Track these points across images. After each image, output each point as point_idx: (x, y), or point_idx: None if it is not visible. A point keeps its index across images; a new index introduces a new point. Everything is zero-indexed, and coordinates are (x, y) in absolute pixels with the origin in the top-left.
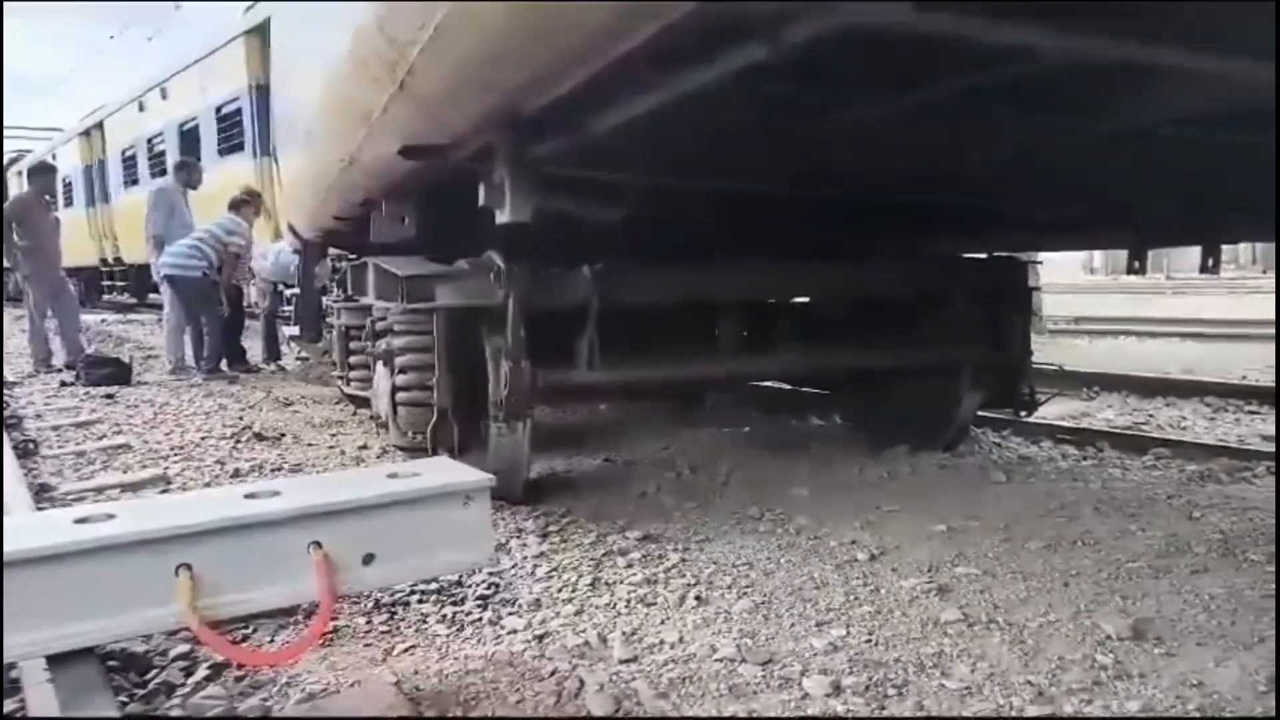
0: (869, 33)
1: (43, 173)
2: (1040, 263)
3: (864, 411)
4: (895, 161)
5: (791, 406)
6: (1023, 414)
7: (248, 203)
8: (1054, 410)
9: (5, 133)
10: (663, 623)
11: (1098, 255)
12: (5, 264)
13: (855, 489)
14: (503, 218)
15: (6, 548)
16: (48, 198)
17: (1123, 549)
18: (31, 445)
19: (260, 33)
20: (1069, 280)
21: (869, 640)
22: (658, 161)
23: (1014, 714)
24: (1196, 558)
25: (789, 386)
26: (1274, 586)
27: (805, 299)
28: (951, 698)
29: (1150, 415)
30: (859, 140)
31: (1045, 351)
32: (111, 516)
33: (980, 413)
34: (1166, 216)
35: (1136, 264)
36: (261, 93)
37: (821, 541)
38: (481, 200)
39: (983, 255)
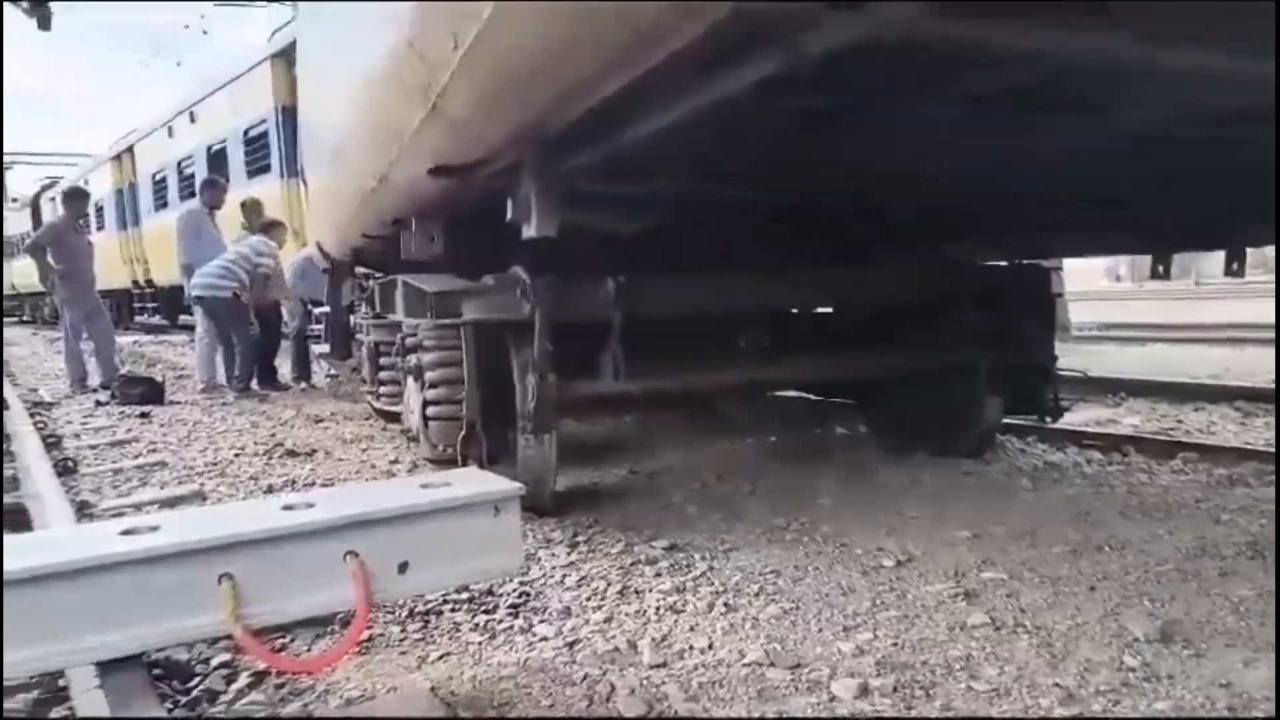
0: (888, 41)
1: (76, 198)
2: (1061, 269)
3: (888, 420)
4: (914, 167)
5: (815, 416)
6: (1048, 420)
7: (279, 225)
8: (1080, 417)
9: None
10: (692, 629)
11: (1123, 262)
12: (41, 287)
13: (880, 497)
14: (529, 232)
15: (55, 558)
16: (81, 222)
17: (1150, 553)
18: (70, 463)
19: (285, 56)
20: (1094, 287)
21: (896, 644)
22: (680, 173)
23: (1042, 714)
24: (1225, 561)
25: (813, 396)
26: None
27: (828, 308)
28: (979, 699)
29: (1179, 420)
30: (878, 147)
31: (1071, 359)
32: (156, 528)
33: (1005, 420)
34: (1188, 220)
35: (1160, 269)
36: (288, 115)
37: (847, 549)
38: (509, 215)
39: (1005, 262)
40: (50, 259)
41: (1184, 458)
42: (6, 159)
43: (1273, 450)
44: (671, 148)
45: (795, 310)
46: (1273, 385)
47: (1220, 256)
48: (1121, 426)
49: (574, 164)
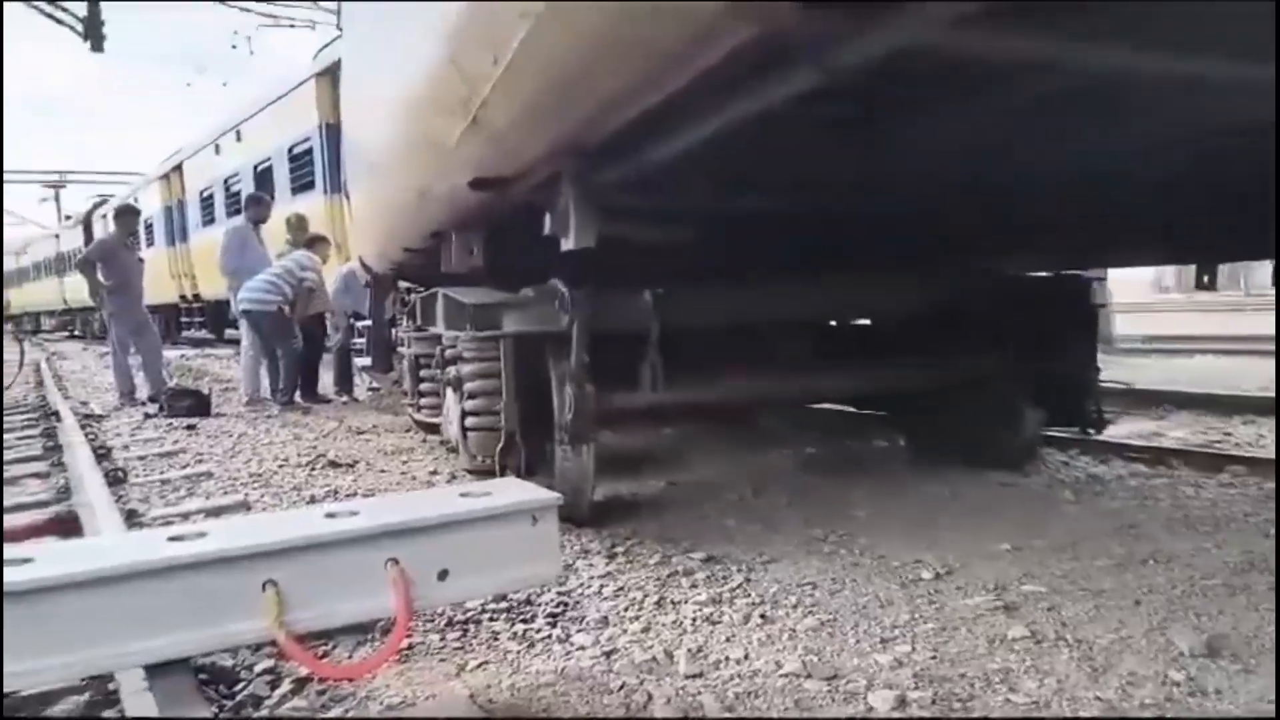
0: (913, 54)
1: (126, 215)
2: (1104, 279)
3: (926, 432)
4: (953, 177)
5: (852, 428)
6: (1090, 432)
7: (322, 240)
8: (1125, 429)
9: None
10: (728, 640)
11: (1170, 273)
12: (91, 302)
13: (919, 509)
14: (568, 245)
15: (105, 563)
16: (131, 239)
17: (1197, 566)
18: (120, 473)
19: (330, 75)
20: (1140, 298)
21: (934, 656)
22: (716, 185)
23: None
24: (1274, 574)
25: (850, 409)
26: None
27: (865, 320)
28: (1018, 712)
29: (1226, 433)
30: (916, 157)
31: (1117, 371)
32: (203, 535)
33: (1047, 432)
34: (1234, 228)
35: (1205, 278)
36: (332, 132)
37: (885, 561)
38: (547, 229)
39: (1046, 273)
40: (100, 275)
41: (1232, 471)
42: (60, 178)
43: None
44: (706, 160)
45: (834, 322)
46: None
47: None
48: (1167, 439)
49: (610, 177)
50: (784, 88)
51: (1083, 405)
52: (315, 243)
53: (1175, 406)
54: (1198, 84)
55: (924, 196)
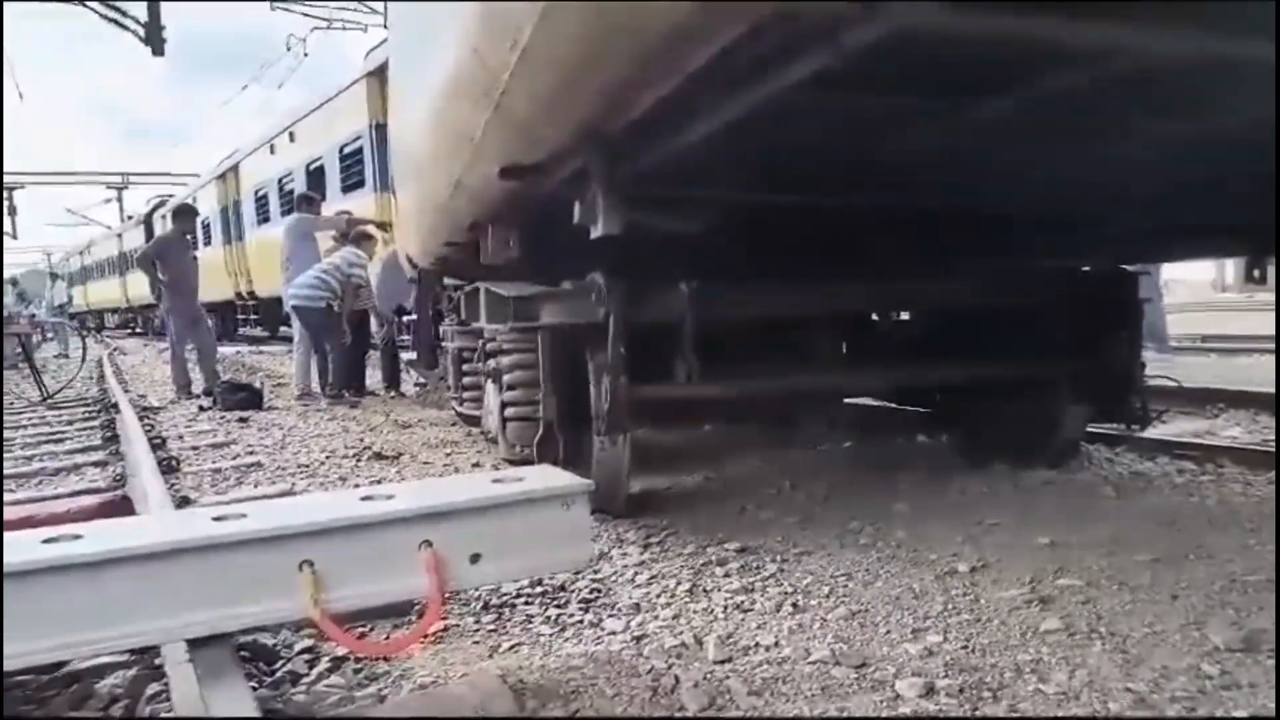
0: (925, 35)
1: (185, 214)
2: (1151, 273)
3: (966, 427)
4: (989, 169)
5: (891, 423)
6: (1134, 429)
7: (369, 237)
8: (1175, 428)
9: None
10: (758, 628)
11: (1229, 272)
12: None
13: (957, 504)
14: (597, 232)
15: (152, 539)
16: (188, 237)
17: (1238, 563)
18: (174, 462)
19: (380, 75)
20: (1199, 298)
21: (965, 647)
22: (747, 176)
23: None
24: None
25: (889, 403)
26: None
27: (904, 314)
28: (1048, 702)
29: None
30: (951, 149)
31: (1169, 370)
32: (244, 515)
33: (1092, 428)
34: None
35: (1256, 273)
36: (381, 132)
37: (921, 554)
38: (576, 218)
39: (1088, 267)
40: (159, 271)
41: None
42: (122, 179)
43: None
44: (734, 149)
45: (874, 316)
46: None
47: None
48: (1218, 438)
49: (636, 166)
50: (799, 68)
51: (1126, 401)
52: (362, 240)
53: (1229, 405)
54: (1254, 72)
55: (964, 190)
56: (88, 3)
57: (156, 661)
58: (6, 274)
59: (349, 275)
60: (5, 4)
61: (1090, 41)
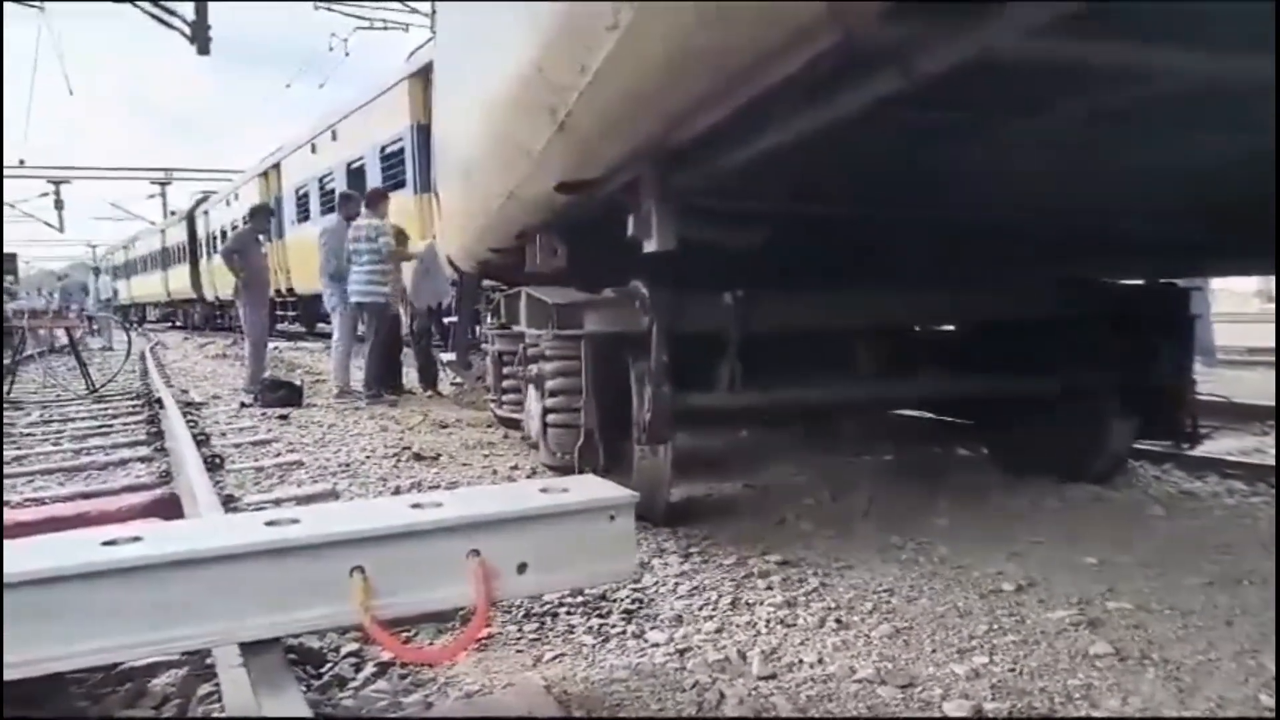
0: (1001, 61)
1: (261, 213)
2: (1202, 289)
3: (1009, 442)
4: (1038, 183)
5: (933, 436)
6: (1183, 446)
7: (384, 197)
8: (1223, 445)
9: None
10: (802, 643)
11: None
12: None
13: (1000, 520)
14: (650, 246)
15: (206, 544)
16: (260, 237)
17: None
18: (218, 460)
19: (422, 77)
20: (1245, 309)
21: (1013, 669)
22: (796, 190)
23: None
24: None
25: (931, 415)
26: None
27: (949, 326)
28: None
29: None
30: (1000, 163)
31: (1217, 384)
32: (296, 521)
33: (1139, 445)
34: None
35: None
36: (422, 132)
37: (965, 571)
38: (630, 231)
39: (1139, 281)
40: (237, 266)
41: None
42: (166, 175)
43: None
44: (789, 165)
45: (917, 328)
46: None
47: None
48: (1268, 456)
49: (692, 181)
50: (866, 92)
51: (1176, 418)
52: (374, 201)
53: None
54: None
55: (1015, 204)
56: (137, 2)
57: (208, 662)
58: (56, 269)
59: (379, 246)
60: (56, 2)
61: (1160, 65)
